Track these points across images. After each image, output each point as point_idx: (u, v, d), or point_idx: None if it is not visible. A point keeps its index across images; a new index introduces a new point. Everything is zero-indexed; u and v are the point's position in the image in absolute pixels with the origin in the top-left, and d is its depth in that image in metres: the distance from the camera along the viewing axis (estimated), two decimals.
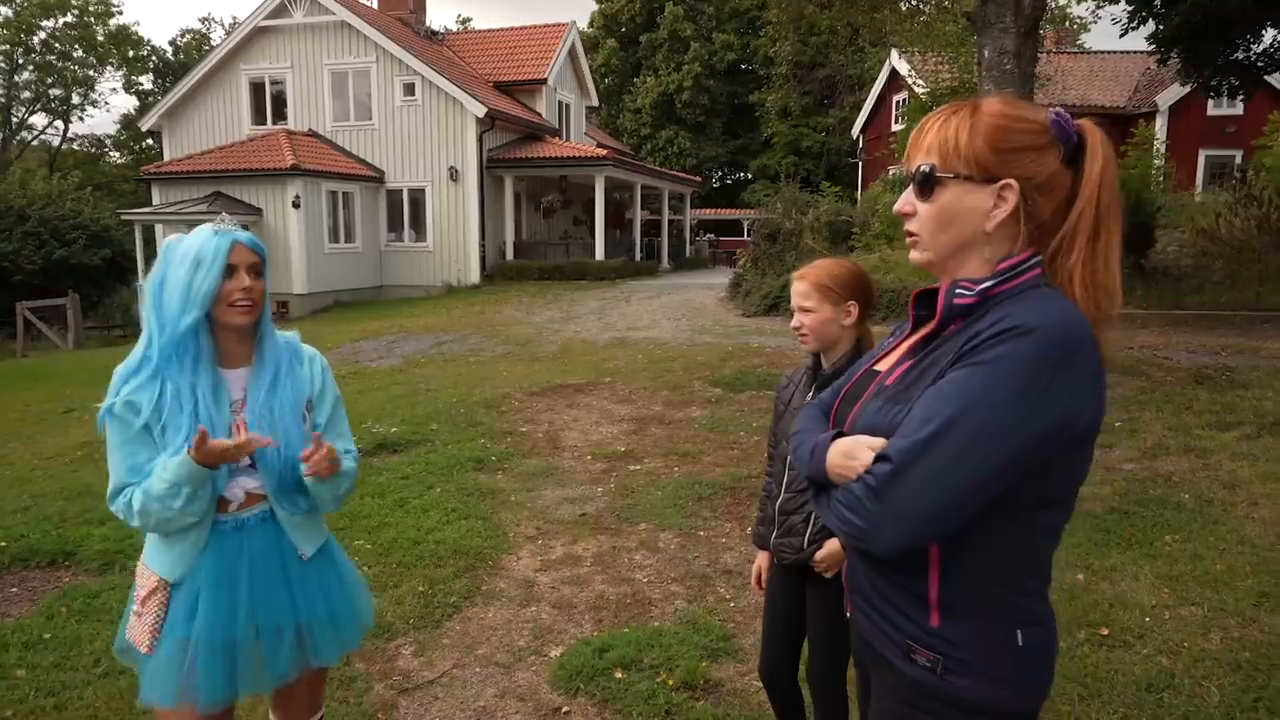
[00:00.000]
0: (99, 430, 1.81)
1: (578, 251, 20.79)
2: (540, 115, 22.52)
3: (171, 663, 1.79)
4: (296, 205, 17.52)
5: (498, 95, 21.65)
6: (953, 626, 1.18)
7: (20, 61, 40.86)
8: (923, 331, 1.27)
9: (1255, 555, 3.86)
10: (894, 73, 25.36)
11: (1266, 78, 12.62)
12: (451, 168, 19.46)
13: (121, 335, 17.41)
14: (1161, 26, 10.33)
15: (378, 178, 19.86)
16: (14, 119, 42.32)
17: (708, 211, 36.69)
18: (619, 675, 3.06)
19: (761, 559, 2.36)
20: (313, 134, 19.96)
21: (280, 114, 20.33)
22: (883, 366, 1.32)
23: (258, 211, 17.85)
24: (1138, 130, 21.89)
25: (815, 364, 2.17)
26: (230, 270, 1.77)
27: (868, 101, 28.31)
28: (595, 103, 28.36)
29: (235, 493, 1.83)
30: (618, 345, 10.76)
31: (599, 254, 20.37)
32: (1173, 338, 9.32)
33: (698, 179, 31.09)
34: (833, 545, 2.07)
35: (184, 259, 1.76)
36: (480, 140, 19.42)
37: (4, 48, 39.98)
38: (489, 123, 19.46)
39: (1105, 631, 3.21)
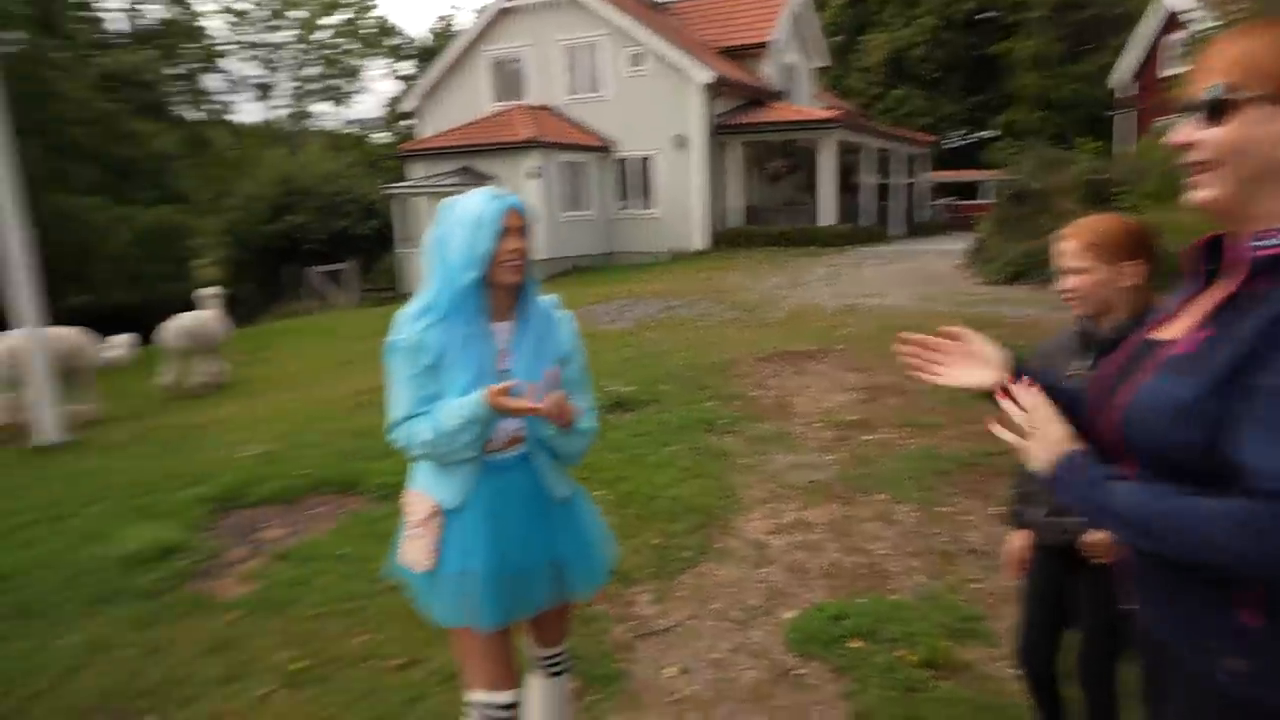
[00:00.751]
0: (385, 363, 1.99)
1: (804, 217, 20.38)
2: (766, 79, 22.18)
3: (452, 586, 1.97)
4: (535, 176, 18.58)
5: (723, 61, 21.56)
6: (1275, 627, 1.02)
7: (307, 56, 46.30)
8: (1218, 291, 1.10)
9: None
10: (1169, 17, 22.31)
11: None
12: (677, 135, 19.71)
13: (390, 296, 19.43)
14: None
15: (608, 148, 20.55)
16: (300, 109, 48.14)
17: (944, 174, 34.47)
18: (855, 644, 3.02)
19: (1018, 539, 2.22)
20: (548, 108, 20.98)
21: (519, 91, 21.54)
22: (1166, 335, 1.17)
23: (500, 183, 19.15)
24: None
25: (1084, 330, 1.99)
26: (505, 232, 1.90)
27: (1135, 45, 25.14)
28: (823, 63, 27.46)
29: (500, 433, 1.98)
30: (847, 312, 10.47)
31: (827, 219, 19.86)
32: None
33: (933, 138, 29.28)
34: None
35: (464, 220, 1.91)
36: (706, 107, 19.48)
37: (299, 46, 45.45)
38: (714, 89, 19.46)
39: None
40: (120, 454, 6.26)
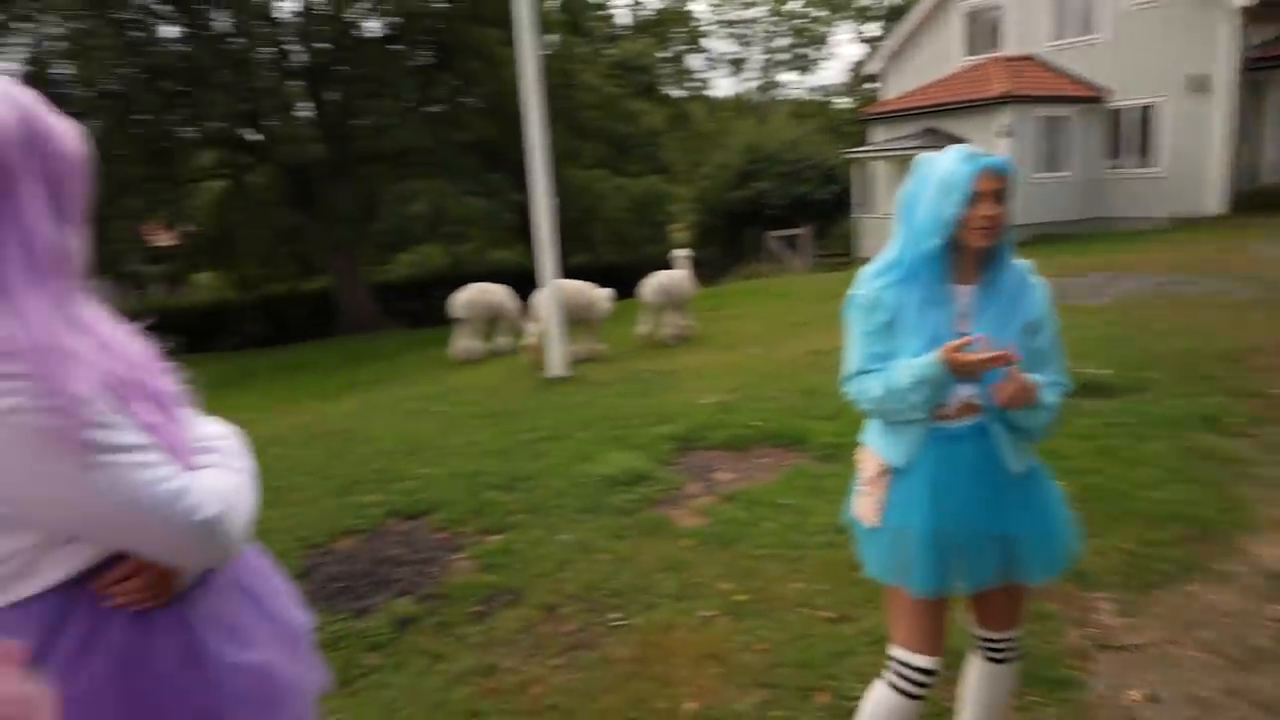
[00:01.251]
0: (844, 318, 2.02)
1: None
2: None
3: (890, 543, 1.98)
4: (1006, 134, 17.08)
5: None
6: None
7: (778, 28, 48.25)
8: None
9: None
10: None
11: None
12: (1194, 76, 16.45)
13: (845, 262, 19.65)
14: None
15: (1099, 97, 18.01)
16: (769, 79, 50.49)
17: None
18: None
19: None
20: (1028, 58, 19.03)
21: (995, 42, 19.87)
22: None
23: (967, 144, 17.96)
24: None
25: None
26: (976, 197, 1.82)
27: None
28: None
29: (953, 400, 1.90)
30: None
31: None
32: None
33: None
34: None
35: (934, 182, 1.86)
36: (1238, 37, 15.92)
37: (771, 19, 47.67)
38: (1256, 11, 15.76)
39: None
40: (606, 390, 7.32)
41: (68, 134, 1.12)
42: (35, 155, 1.07)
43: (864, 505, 2.05)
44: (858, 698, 2.52)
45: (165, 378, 1.22)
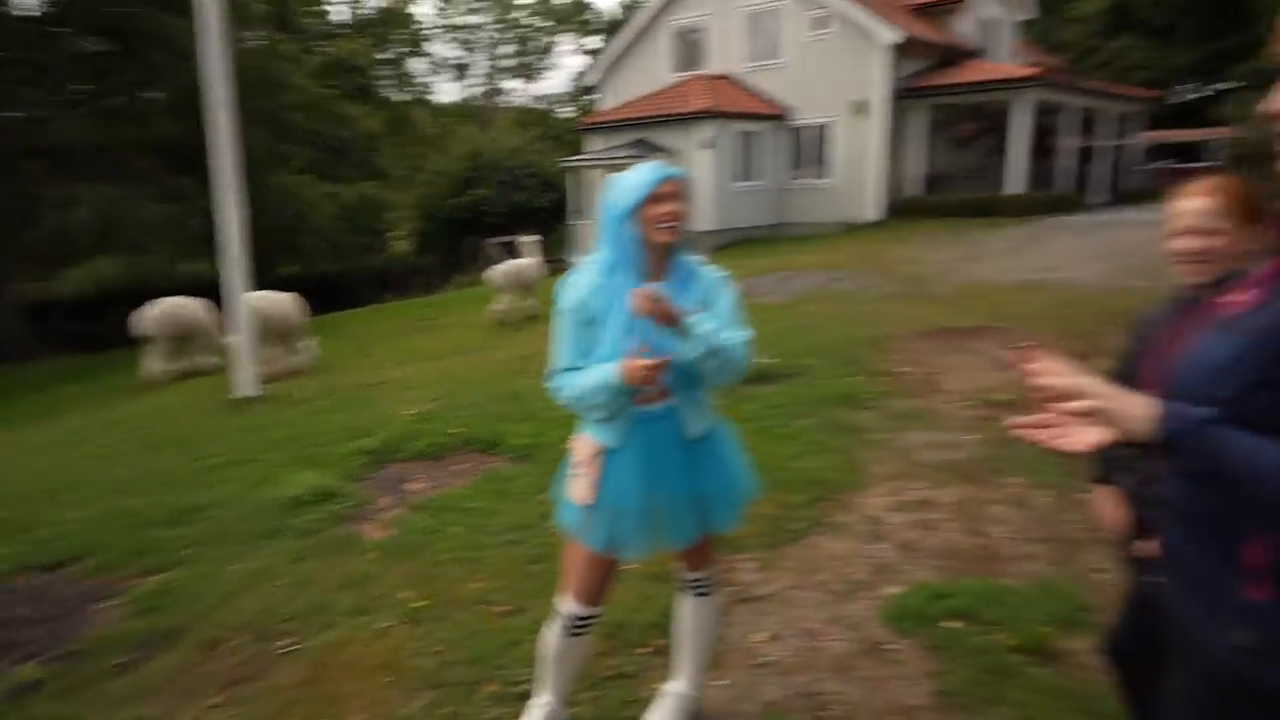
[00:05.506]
0: (552, 319, 2.24)
1: (992, 185, 19.03)
2: (961, 37, 20.80)
3: (605, 518, 2.23)
4: (708, 146, 18.54)
5: (913, 19, 20.42)
6: None
7: (503, 35, 48.53)
8: None
9: None
10: None
11: None
12: (856, 101, 18.96)
13: (562, 266, 20.17)
14: None
15: (784, 116, 20.14)
16: (493, 86, 50.62)
17: (1163, 133, 30.90)
18: (953, 624, 2.90)
19: (1108, 498, 2.05)
20: (726, 77, 20.81)
21: (699, 61, 21.50)
22: (1233, 298, 1.10)
23: (673, 154, 19.27)
24: None
25: (1194, 297, 1.79)
26: (659, 198, 2.08)
27: None
28: (1028, 16, 25.33)
29: (651, 388, 2.16)
30: (1024, 289, 9.75)
31: (1016, 187, 18.43)
32: None
33: (1154, 94, 26.31)
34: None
35: (624, 189, 2.13)
36: (890, 69, 18.58)
37: (496, 25, 47.78)
38: (900, 49, 18.50)
39: None
40: (301, 409, 6.96)
41: None
42: None
43: (579, 487, 2.27)
44: (525, 683, 2.69)
45: None
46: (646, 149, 19.07)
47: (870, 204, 19.13)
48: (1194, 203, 1.77)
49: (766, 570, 3.51)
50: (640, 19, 22.57)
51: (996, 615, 2.90)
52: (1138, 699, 2.05)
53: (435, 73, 47.09)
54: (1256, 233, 1.69)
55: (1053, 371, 1.08)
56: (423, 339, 11.83)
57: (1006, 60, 21.89)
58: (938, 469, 4.47)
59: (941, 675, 2.66)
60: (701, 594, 2.48)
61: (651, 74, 22.13)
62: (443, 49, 47.08)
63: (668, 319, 2.02)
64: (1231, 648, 1.00)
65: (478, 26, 47.78)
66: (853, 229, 18.67)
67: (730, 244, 19.07)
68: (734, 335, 2.12)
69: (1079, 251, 12.28)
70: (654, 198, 2.08)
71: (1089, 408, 1.04)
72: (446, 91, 60.98)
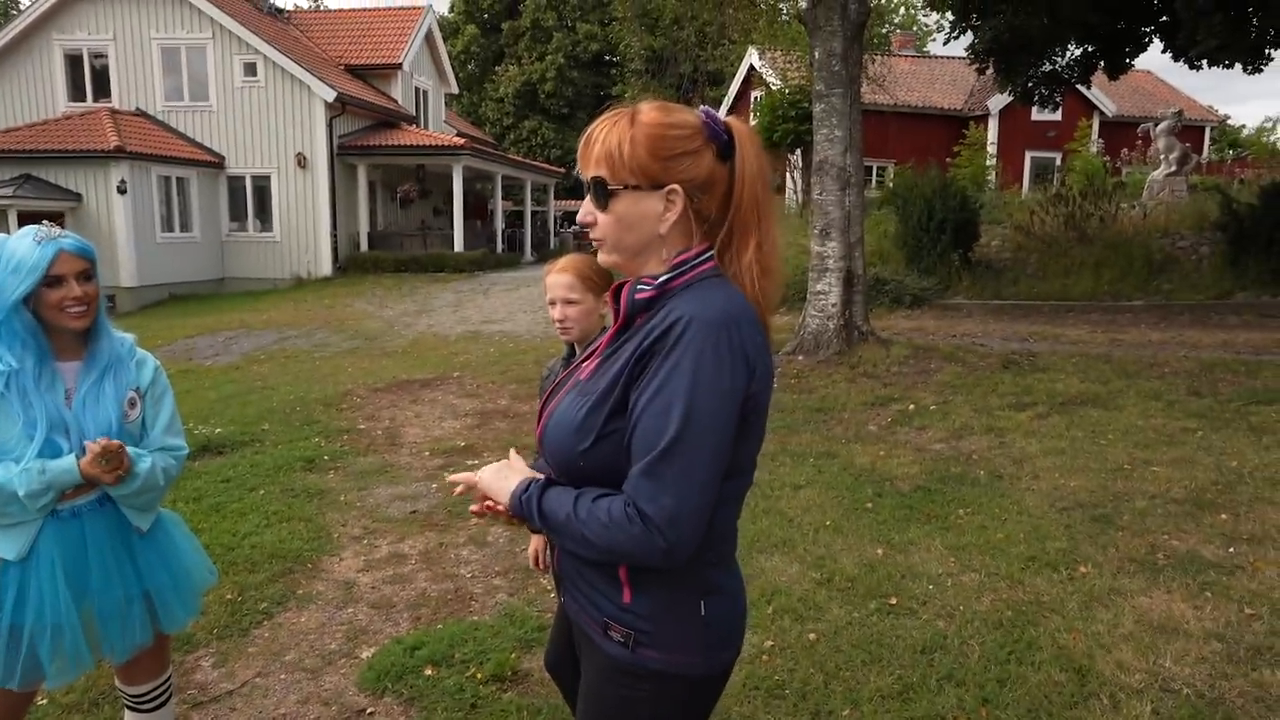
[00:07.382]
0: None
1: (436, 243, 20.30)
2: (396, 101, 21.83)
3: (11, 644, 1.85)
4: (122, 191, 16.26)
5: (349, 79, 20.82)
6: (642, 601, 1.24)
7: None
8: (615, 327, 1.32)
9: (1030, 523, 4.24)
10: (751, 69, 26.08)
11: (1078, 87, 13.77)
12: (299, 154, 18.59)
13: None
14: (977, 39, 11.06)
15: (217, 163, 18.72)
16: None
17: (573, 203, 36.61)
18: (428, 672, 3.03)
19: (536, 541, 2.40)
20: (141, 114, 18.58)
21: (103, 91, 18.80)
22: (587, 362, 1.36)
23: (76, 197, 16.43)
24: (970, 132, 23.42)
25: (570, 355, 2.21)
26: (57, 280, 1.80)
27: (727, 97, 28.98)
28: (454, 90, 27.75)
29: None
30: (470, 339, 10.62)
31: (458, 245, 19.96)
32: (991, 325, 10.08)
33: (560, 169, 30.95)
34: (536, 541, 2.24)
35: (8, 264, 1.77)
36: (330, 126, 18.64)
37: None
38: (339, 108, 18.70)
39: (894, 600, 3.45)
40: None
41: None
42: None
43: None
44: None
45: None
46: (39, 188, 15.94)
47: (322, 259, 18.86)
48: (557, 277, 2.12)
49: (228, 663, 3.23)
50: (14, 28, 18.86)
51: (468, 653, 3.12)
52: (573, 702, 2.42)
53: None
54: (602, 303, 2.09)
55: (464, 480, 1.36)
56: None
57: (439, 128, 23.67)
58: (405, 522, 4.62)
59: None
60: (150, 709, 2.18)
61: (40, 99, 18.71)
62: None
63: (118, 478, 1.84)
64: (616, 642, 1.26)
65: None
66: (304, 284, 18.17)
67: (162, 301, 16.97)
68: (171, 461, 2.02)
69: (514, 304, 13.82)
70: (51, 280, 1.80)
71: (483, 493, 1.33)
72: None
